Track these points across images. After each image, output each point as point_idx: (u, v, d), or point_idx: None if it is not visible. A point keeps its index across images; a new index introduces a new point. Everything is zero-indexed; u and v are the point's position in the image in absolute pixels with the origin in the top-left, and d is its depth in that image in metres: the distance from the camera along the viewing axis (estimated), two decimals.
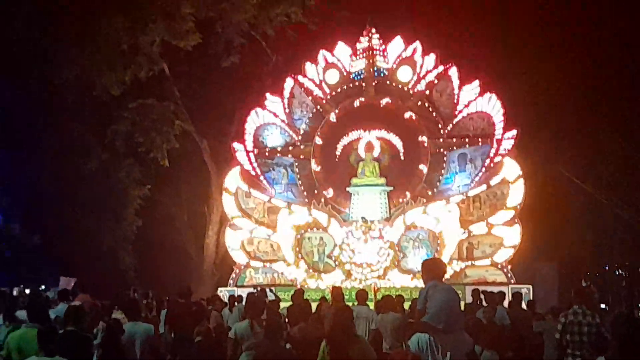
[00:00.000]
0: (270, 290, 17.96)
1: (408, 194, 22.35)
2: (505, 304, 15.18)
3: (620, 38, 23.85)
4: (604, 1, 24.17)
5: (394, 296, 13.71)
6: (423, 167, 22.47)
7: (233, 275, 23.63)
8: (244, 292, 19.08)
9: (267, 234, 23.20)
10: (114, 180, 27.70)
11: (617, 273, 28.57)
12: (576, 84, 24.68)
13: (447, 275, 20.71)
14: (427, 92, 23.03)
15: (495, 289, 15.95)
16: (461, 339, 7.66)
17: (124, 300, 12.43)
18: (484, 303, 13.64)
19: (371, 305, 13.70)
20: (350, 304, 13.29)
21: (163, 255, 30.66)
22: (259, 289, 18.29)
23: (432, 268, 8.13)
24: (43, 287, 31.88)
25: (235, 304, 15.83)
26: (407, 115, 22.74)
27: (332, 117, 23.34)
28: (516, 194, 21.40)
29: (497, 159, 21.92)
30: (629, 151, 24.54)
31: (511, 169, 21.51)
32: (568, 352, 9.86)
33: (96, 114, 26.75)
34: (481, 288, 15.65)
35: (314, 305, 13.11)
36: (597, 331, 9.66)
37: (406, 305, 13.93)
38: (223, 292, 21.35)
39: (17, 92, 27.24)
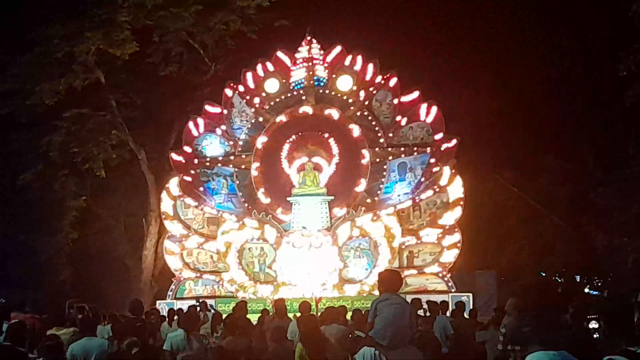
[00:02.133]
0: (211, 306, 17.74)
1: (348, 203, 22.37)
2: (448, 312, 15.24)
3: (563, 51, 24.33)
4: (548, 13, 24.57)
5: (336, 307, 13.60)
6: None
7: (172, 287, 23.27)
8: (183, 305, 18.89)
9: (206, 244, 22.91)
10: (50, 191, 27.04)
11: (554, 279, 29.01)
12: (517, 95, 25.14)
13: None
14: (367, 101, 23.08)
15: (437, 298, 16.03)
16: (409, 353, 7.60)
17: (74, 316, 12.12)
18: (422, 312, 13.65)
19: None
20: (291, 315, 13.22)
21: (100, 268, 29.96)
22: (200, 301, 18.03)
23: (387, 280, 8.05)
24: None
25: (175, 317, 15.50)
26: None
27: (263, 138, 23.24)
28: (455, 202, 21.60)
29: (437, 168, 22.08)
30: (566, 165, 25.15)
31: (450, 177, 21.71)
32: None
33: (31, 124, 26.08)
34: (423, 297, 15.68)
35: (254, 317, 12.99)
36: None
37: (348, 315, 13.83)
38: (162, 305, 21.01)
39: None
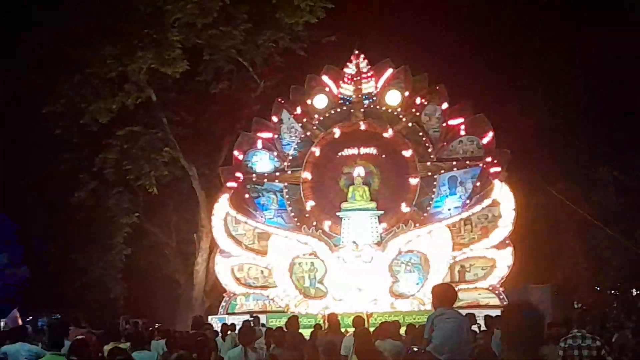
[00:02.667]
0: (263, 325, 17.81)
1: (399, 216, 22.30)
2: None
3: (617, 61, 24.02)
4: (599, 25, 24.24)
5: (389, 321, 13.55)
6: (412, 180, 22.41)
7: (223, 303, 23.42)
8: (235, 320, 18.98)
9: (257, 259, 23.04)
10: (103, 208, 27.48)
11: (610, 293, 28.54)
12: (569, 107, 24.85)
13: None
14: (417, 114, 23.03)
15: (492, 312, 15.81)
16: None
17: (130, 331, 12.51)
18: (477, 327, 13.50)
19: None
20: (343, 330, 13.20)
21: (152, 284, 30.40)
22: (254, 316, 18.13)
23: (442, 294, 8.00)
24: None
25: (228, 332, 15.58)
26: (388, 134, 22.75)
27: (317, 151, 23.32)
28: (507, 216, 21.39)
29: (487, 181, 21.90)
30: (620, 177, 24.76)
31: (502, 191, 21.50)
32: None
33: (84, 143, 26.56)
34: (476, 311, 15.50)
35: (306, 332, 13.05)
36: (598, 355, 9.55)
37: (402, 330, 13.75)
38: (214, 320, 21.12)
39: (6, 125, 27.12)
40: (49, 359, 8.94)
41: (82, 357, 8.72)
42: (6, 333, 12.16)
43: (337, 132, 23.27)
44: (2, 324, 22.78)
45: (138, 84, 24.67)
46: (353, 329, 13.37)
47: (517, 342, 3.78)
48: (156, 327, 21.25)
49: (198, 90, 26.63)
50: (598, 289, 27.68)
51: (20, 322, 18.71)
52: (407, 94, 23.30)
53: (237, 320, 18.51)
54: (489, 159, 22.07)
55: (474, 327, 13.77)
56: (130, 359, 9.13)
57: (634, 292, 28.84)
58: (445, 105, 23.03)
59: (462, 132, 22.65)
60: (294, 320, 14.01)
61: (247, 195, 23.77)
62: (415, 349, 9.18)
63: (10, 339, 11.29)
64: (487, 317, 13.82)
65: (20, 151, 27.10)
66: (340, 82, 23.90)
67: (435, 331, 7.52)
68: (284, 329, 14.14)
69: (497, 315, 15.36)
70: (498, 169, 21.99)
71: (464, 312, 14.40)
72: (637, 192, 25.18)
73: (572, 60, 25.26)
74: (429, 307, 20.48)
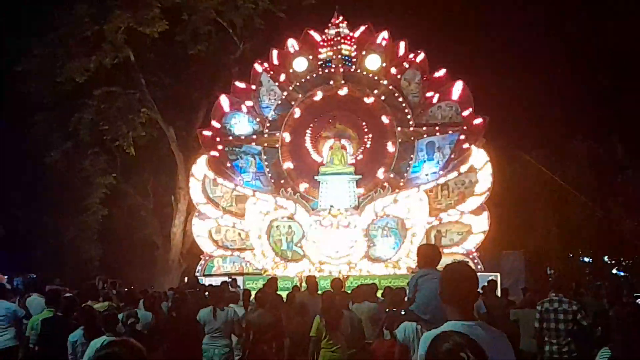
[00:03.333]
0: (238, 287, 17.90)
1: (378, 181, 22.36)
2: None
3: (594, 33, 24.14)
4: None
5: (367, 284, 13.67)
6: (390, 146, 22.44)
7: (199, 265, 23.45)
8: (212, 281, 19.10)
9: (234, 222, 23.06)
10: (78, 169, 27.31)
11: (581, 261, 28.98)
12: (546, 76, 24.99)
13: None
14: (397, 78, 22.98)
15: None
16: None
17: (108, 291, 12.98)
18: None
19: None
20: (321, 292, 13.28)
21: (128, 246, 30.34)
22: (232, 278, 18.22)
23: (427, 254, 7.98)
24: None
25: (206, 294, 15.65)
26: (369, 100, 22.73)
27: (297, 112, 23.23)
28: (484, 182, 21.52)
29: (465, 146, 21.99)
30: (594, 148, 25.03)
31: (479, 157, 21.60)
32: (545, 340, 9.90)
33: (59, 103, 26.30)
34: None
35: (283, 294, 13.19)
36: (574, 318, 9.70)
37: (378, 293, 13.89)
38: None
39: None
40: (46, 315, 9.81)
41: (69, 313, 9.54)
42: None
43: (319, 94, 23.16)
44: None
45: (115, 43, 24.40)
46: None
47: (455, 298, 4.35)
48: (131, 288, 21.26)
49: (176, 52, 26.42)
50: (571, 256, 28.07)
51: (4, 280, 18.73)
52: (386, 58, 23.19)
53: (215, 282, 18.63)
54: (466, 124, 22.08)
55: None
56: (137, 320, 9.32)
57: (606, 260, 29.30)
58: (424, 70, 22.95)
59: (441, 97, 22.61)
60: (273, 282, 14.14)
61: (224, 158, 23.65)
62: (395, 310, 9.30)
63: None
64: None
65: None
66: (320, 45, 23.73)
67: (419, 291, 7.54)
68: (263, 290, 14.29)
69: None
70: (476, 134, 22.03)
71: None
72: (610, 164, 25.50)
73: (553, 28, 25.34)
74: (404, 271, 20.69)
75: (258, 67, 23.83)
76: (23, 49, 24.35)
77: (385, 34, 23.32)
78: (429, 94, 22.78)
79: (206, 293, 15.42)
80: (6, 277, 20.55)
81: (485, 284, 15.48)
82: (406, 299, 8.56)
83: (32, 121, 26.84)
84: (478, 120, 22.02)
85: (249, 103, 23.85)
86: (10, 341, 10.78)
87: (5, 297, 11.98)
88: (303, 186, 22.77)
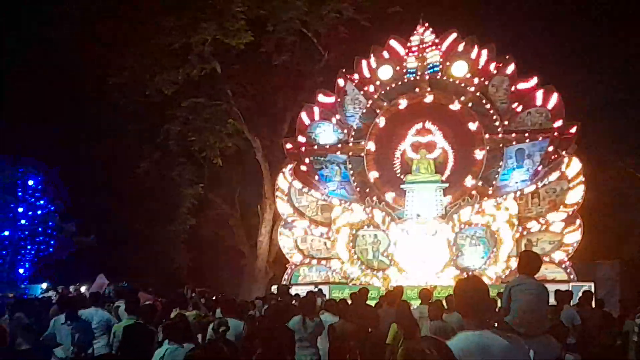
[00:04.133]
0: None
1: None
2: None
3: None
4: None
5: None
6: (478, 153, 22.02)
7: (286, 274, 23.52)
8: (298, 290, 19.14)
9: (321, 232, 23.05)
10: (167, 180, 27.85)
11: None
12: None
13: (507, 272, 20.45)
14: (483, 87, 22.54)
15: (561, 287, 15.45)
16: (546, 343, 7.21)
17: (196, 299, 13.24)
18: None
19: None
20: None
21: (216, 255, 30.78)
22: (318, 288, 18.23)
23: (526, 261, 7.74)
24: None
25: (293, 302, 15.66)
26: (456, 107, 22.36)
27: (382, 121, 23.06)
28: (576, 190, 20.87)
29: (556, 154, 21.38)
30: None
31: (571, 164, 20.97)
32: None
33: (149, 115, 26.89)
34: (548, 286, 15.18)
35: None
36: None
37: None
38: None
39: (71, 98, 27.65)
40: (127, 323, 9.84)
41: (149, 320, 9.57)
42: (84, 297, 12.75)
43: (403, 103, 22.95)
44: (83, 288, 23.35)
45: (202, 55, 24.77)
46: (419, 301, 13.35)
47: (469, 310, 4.65)
48: (220, 296, 21.46)
49: (261, 62, 26.62)
50: None
51: (105, 287, 19.28)
52: (473, 65, 22.78)
53: (301, 291, 18.67)
54: (558, 131, 21.45)
55: None
56: (228, 328, 9.37)
57: None
58: (512, 77, 22.39)
59: (530, 104, 22.05)
60: (363, 292, 14.10)
61: (310, 167, 23.68)
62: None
63: (87, 303, 11.94)
64: (557, 292, 13.47)
65: (90, 124, 27.64)
66: (405, 53, 23.50)
67: (513, 302, 7.25)
68: (349, 300, 14.27)
69: (566, 290, 15.07)
70: (567, 141, 21.40)
71: None
72: None
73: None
74: (493, 281, 20.24)
75: (342, 76, 23.75)
76: (116, 60, 24.97)
77: (471, 40, 22.92)
78: (516, 102, 22.18)
79: (293, 302, 15.49)
80: (107, 282, 21.13)
81: (580, 294, 15.01)
82: (497, 309, 8.26)
83: (124, 132, 27.54)
84: (573, 129, 21.36)
85: (335, 113, 23.78)
86: (102, 348, 11.06)
87: (101, 306, 12.36)
88: (389, 195, 22.57)
